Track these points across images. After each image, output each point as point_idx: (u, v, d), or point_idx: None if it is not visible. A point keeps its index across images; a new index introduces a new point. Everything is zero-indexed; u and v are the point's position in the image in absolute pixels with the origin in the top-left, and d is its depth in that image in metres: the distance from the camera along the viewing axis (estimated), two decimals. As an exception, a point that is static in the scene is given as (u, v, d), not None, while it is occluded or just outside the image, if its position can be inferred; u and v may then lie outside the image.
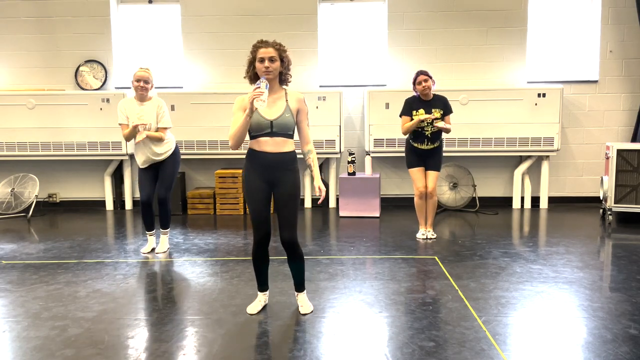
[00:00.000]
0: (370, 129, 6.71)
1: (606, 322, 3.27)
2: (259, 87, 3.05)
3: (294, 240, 3.33)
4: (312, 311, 3.48)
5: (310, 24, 7.01)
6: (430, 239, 5.29)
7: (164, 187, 4.79)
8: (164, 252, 4.96)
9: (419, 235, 5.36)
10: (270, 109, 3.21)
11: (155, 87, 7.11)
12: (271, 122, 3.20)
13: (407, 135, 5.22)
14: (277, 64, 3.19)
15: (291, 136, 3.29)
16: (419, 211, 5.32)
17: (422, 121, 4.99)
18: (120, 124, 4.70)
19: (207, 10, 7.03)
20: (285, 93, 3.30)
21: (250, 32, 7.00)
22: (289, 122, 3.24)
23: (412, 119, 5.08)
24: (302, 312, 3.46)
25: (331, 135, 6.75)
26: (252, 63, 3.24)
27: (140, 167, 4.78)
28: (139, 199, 6.89)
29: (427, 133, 5.07)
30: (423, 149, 5.12)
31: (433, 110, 5.06)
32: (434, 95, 5.14)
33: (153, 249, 5.00)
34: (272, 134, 3.21)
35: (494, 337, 3.08)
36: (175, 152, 4.84)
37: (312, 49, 7.02)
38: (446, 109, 5.12)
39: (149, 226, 4.96)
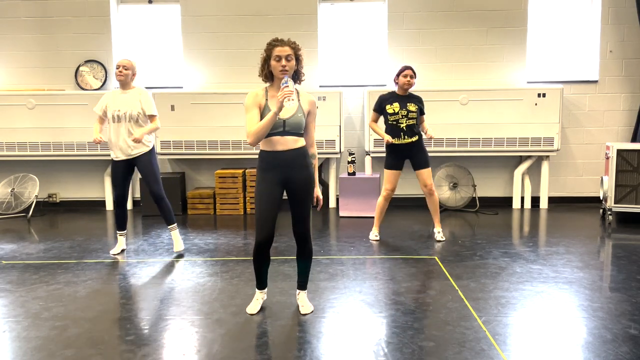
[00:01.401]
0: (370, 129, 6.70)
1: (606, 322, 3.27)
2: (287, 86, 3.03)
3: (308, 233, 3.39)
4: (312, 311, 3.48)
5: (310, 24, 7.01)
6: (440, 240, 5.22)
7: (154, 182, 4.74)
8: (182, 250, 4.92)
9: (372, 237, 5.33)
10: (284, 109, 3.21)
11: (156, 87, 7.16)
12: (284, 121, 3.20)
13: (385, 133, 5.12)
14: (293, 62, 3.22)
15: (302, 135, 3.32)
16: (380, 212, 5.29)
17: (398, 121, 5.00)
18: (96, 112, 4.77)
19: (207, 10, 7.03)
20: (298, 93, 3.31)
21: (250, 32, 7.00)
22: (301, 122, 3.26)
23: (381, 115, 5.09)
24: (302, 312, 3.46)
25: (331, 135, 6.75)
26: (266, 61, 3.24)
27: (115, 159, 4.71)
28: (139, 198, 6.95)
29: (402, 126, 5.00)
30: (402, 143, 5.02)
31: (408, 104, 5.02)
32: (410, 93, 5.13)
33: (123, 250, 4.96)
34: (284, 132, 3.22)
35: (494, 337, 3.08)
36: (152, 150, 4.80)
37: (312, 49, 7.02)
38: (421, 108, 5.10)
39: (120, 225, 4.91)
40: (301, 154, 3.29)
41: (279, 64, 3.17)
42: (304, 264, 3.49)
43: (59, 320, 3.40)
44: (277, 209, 3.32)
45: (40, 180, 7.18)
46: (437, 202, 5.24)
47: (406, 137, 5.02)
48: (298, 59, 3.26)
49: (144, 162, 4.73)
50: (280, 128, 3.20)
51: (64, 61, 7.15)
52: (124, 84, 4.69)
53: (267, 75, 3.28)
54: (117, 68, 4.65)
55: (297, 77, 3.32)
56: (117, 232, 4.95)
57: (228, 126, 6.74)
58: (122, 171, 4.74)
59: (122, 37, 7.28)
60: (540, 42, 7.08)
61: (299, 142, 3.29)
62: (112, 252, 4.94)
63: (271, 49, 3.20)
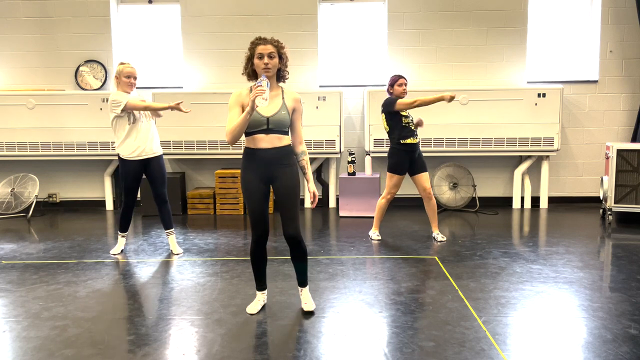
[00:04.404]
0: (370, 129, 6.71)
1: (606, 322, 3.27)
2: (260, 86, 3.05)
3: (298, 235, 3.34)
4: (315, 309, 3.48)
5: (310, 24, 7.01)
6: (441, 241, 5.24)
7: (163, 185, 4.81)
8: (180, 252, 4.92)
9: (374, 237, 5.35)
10: (267, 106, 3.23)
11: (156, 87, 7.17)
12: (268, 118, 3.22)
13: (395, 140, 5.13)
14: (276, 60, 3.22)
15: (287, 133, 3.32)
16: (381, 213, 5.34)
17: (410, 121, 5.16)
18: (142, 101, 4.62)
19: (207, 10, 7.03)
20: (282, 91, 3.33)
21: (250, 32, 7.00)
22: (285, 119, 3.26)
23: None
24: (305, 309, 3.46)
25: (331, 135, 6.75)
26: (250, 60, 3.26)
27: (135, 158, 4.65)
28: (138, 198, 6.94)
29: (412, 126, 5.12)
30: (413, 143, 5.10)
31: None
32: None
33: (122, 250, 4.99)
34: (267, 130, 3.23)
35: (494, 337, 3.08)
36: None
37: (312, 49, 7.02)
38: None
39: (124, 227, 4.93)
40: (285, 152, 3.30)
41: (262, 62, 3.18)
42: (300, 265, 3.47)
43: (59, 320, 3.40)
44: (267, 203, 3.35)
45: (40, 180, 7.18)
46: (435, 206, 5.29)
47: (416, 136, 5.15)
48: (281, 58, 3.25)
49: (160, 162, 4.80)
50: (264, 126, 3.21)
51: (64, 61, 7.15)
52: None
53: (250, 73, 3.30)
54: (129, 78, 4.61)
55: (279, 75, 3.32)
56: (119, 233, 4.96)
57: (228, 126, 6.74)
58: (138, 175, 4.71)
59: (122, 37, 7.28)
60: (540, 42, 7.08)
61: (284, 140, 3.29)
62: (112, 252, 4.95)
63: (254, 48, 3.21)
